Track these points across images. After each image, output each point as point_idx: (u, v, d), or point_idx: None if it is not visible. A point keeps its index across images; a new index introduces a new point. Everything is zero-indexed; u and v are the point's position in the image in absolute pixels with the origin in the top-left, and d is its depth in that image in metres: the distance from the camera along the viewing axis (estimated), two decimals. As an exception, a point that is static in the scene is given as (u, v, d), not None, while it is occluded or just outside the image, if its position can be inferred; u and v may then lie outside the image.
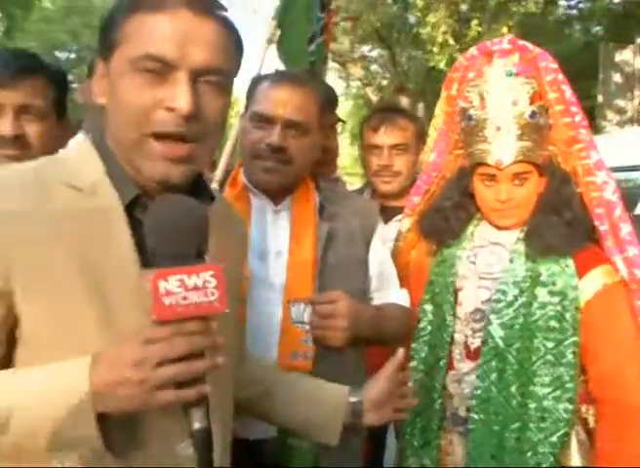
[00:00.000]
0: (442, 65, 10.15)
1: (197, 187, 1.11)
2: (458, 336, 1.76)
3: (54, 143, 1.57)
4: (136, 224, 1.02)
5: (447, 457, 1.79)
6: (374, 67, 18.84)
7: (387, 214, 2.37)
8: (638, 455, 1.61)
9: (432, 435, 1.79)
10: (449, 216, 1.82)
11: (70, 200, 1.01)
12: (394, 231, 2.21)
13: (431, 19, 9.77)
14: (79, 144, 1.11)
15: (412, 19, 15.22)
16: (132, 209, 1.04)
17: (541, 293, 1.66)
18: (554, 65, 1.69)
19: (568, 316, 1.64)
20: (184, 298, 0.88)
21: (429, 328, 1.83)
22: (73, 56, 27.86)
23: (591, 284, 1.66)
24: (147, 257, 0.96)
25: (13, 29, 19.74)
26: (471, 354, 1.73)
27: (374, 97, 17.65)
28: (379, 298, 1.81)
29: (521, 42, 1.72)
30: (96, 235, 1.01)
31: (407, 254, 2.01)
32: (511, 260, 1.72)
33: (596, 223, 1.70)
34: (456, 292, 1.79)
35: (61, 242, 0.99)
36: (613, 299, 1.67)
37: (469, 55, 1.78)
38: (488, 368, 1.68)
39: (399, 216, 2.30)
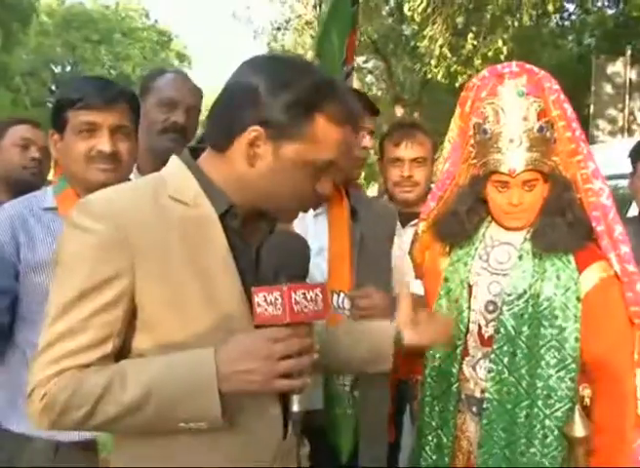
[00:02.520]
0: (439, 77, 10.39)
1: None
2: (472, 326, 1.97)
3: (134, 159, 1.82)
4: (227, 229, 1.26)
5: (462, 435, 2.00)
6: (369, 78, 19.11)
7: (404, 219, 2.60)
8: (630, 425, 1.86)
9: (449, 415, 1.99)
10: (463, 220, 2.03)
11: (180, 211, 1.24)
12: (410, 234, 2.44)
13: (429, 32, 10.02)
14: (174, 165, 1.32)
15: (407, 31, 15.55)
16: (224, 217, 1.27)
17: (547, 287, 1.88)
18: (557, 86, 1.92)
19: (571, 306, 1.86)
20: (305, 307, 1.15)
21: (445, 320, 2.05)
22: (69, 69, 28.16)
23: (590, 278, 1.88)
24: (259, 271, 1.23)
25: (10, 42, 19.99)
26: (485, 341, 1.94)
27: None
28: (399, 288, 2.04)
29: (528, 66, 1.94)
30: (199, 238, 1.24)
31: (422, 254, 2.21)
32: (520, 258, 1.93)
33: (593, 224, 1.92)
34: (470, 287, 2.00)
35: (173, 244, 1.21)
36: (608, 291, 1.88)
37: (481, 76, 2.00)
38: (501, 353, 1.89)
39: (414, 221, 2.54)
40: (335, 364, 1.60)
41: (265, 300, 1.14)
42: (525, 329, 1.87)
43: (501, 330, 1.89)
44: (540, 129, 1.88)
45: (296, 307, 1.12)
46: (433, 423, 2.03)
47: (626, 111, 9.61)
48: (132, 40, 28.05)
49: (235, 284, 1.25)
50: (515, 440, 1.87)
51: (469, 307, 1.98)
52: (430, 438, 2.03)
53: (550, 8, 9.31)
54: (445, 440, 2.00)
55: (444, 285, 2.07)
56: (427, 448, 2.03)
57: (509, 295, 1.90)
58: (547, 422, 1.85)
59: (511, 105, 1.89)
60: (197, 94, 2.45)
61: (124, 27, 28.39)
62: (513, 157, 1.87)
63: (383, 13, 15.41)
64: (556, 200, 1.92)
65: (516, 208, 1.91)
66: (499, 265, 1.97)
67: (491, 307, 1.94)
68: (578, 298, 1.86)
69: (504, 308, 1.90)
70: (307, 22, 16.08)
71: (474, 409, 1.97)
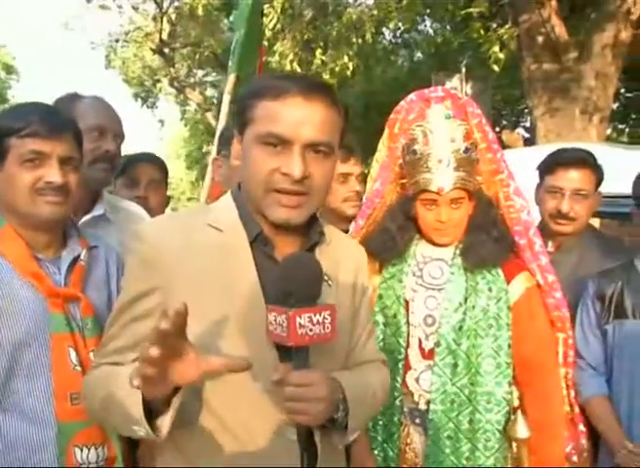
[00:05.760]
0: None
1: (310, 225, 1.44)
2: (412, 340, 2.05)
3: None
4: (258, 252, 1.37)
5: (406, 447, 2.07)
6: (210, 92, 18.95)
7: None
8: (560, 419, 2.05)
9: (395, 428, 2.05)
10: (395, 237, 2.10)
11: (214, 237, 1.36)
12: None
13: (279, 47, 10.17)
14: (225, 196, 1.46)
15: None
16: (255, 241, 1.37)
17: (481, 299, 1.99)
18: (478, 111, 2.05)
19: (503, 315, 1.99)
20: (310, 330, 1.20)
21: (382, 336, 2.10)
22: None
23: (517, 288, 2.03)
24: (273, 291, 1.27)
25: None
26: (426, 354, 2.02)
27: (214, 122, 17.79)
28: None
29: (452, 91, 2.06)
30: (229, 262, 1.34)
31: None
32: (452, 273, 2.04)
33: (516, 238, 2.08)
34: (407, 302, 2.07)
35: (204, 268, 1.32)
36: (532, 299, 2.04)
37: (409, 99, 2.09)
38: (443, 364, 1.98)
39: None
40: None
41: (275, 320, 1.21)
42: (464, 340, 1.97)
43: (442, 342, 1.98)
44: (466, 150, 1.99)
45: (300, 331, 1.18)
46: (379, 438, 2.08)
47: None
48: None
49: (260, 308, 1.30)
50: (460, 446, 1.96)
51: (408, 322, 2.05)
52: (377, 452, 2.07)
53: (392, 26, 9.81)
54: (391, 453, 2.06)
55: (378, 301, 2.12)
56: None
57: (446, 309, 2.00)
58: (488, 426, 1.96)
59: (439, 127, 1.99)
60: (119, 119, 2.29)
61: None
62: (442, 176, 1.97)
63: (224, 27, 15.36)
64: (482, 217, 2.05)
65: (445, 224, 2.01)
66: (433, 280, 2.06)
67: (429, 321, 2.03)
68: (508, 307, 2.00)
69: (443, 321, 1.99)
70: (147, 34, 15.61)
71: (417, 420, 2.04)
